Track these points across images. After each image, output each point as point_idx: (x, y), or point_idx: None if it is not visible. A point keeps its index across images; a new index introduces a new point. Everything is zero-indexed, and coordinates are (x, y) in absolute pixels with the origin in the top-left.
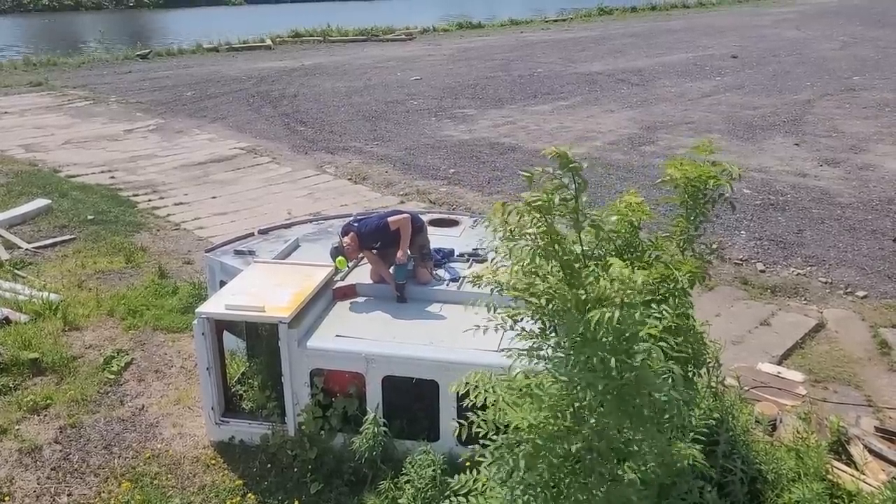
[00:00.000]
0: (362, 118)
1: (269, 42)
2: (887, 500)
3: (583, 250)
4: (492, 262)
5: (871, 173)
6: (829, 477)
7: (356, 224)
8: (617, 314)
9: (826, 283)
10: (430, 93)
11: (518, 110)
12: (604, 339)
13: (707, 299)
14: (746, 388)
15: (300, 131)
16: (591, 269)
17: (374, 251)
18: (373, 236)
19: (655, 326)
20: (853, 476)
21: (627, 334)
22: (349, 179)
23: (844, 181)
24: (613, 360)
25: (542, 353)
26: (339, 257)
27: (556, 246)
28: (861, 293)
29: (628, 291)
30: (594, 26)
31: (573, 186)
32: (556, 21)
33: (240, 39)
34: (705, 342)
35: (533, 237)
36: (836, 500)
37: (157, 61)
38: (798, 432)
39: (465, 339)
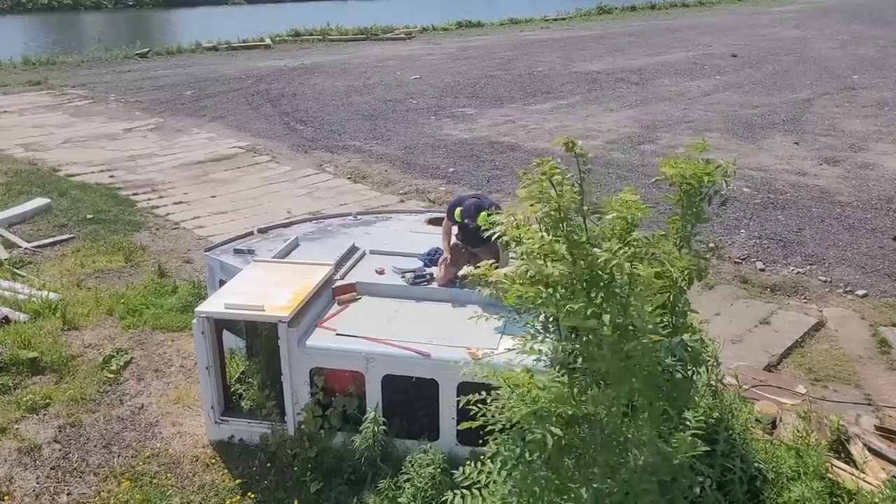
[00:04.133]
0: (362, 117)
1: (268, 41)
2: (887, 498)
3: (587, 233)
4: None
5: (870, 172)
6: (829, 476)
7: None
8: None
9: (826, 281)
10: (430, 92)
11: (517, 109)
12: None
13: (707, 298)
14: (746, 387)
15: (299, 130)
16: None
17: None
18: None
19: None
20: (853, 475)
21: (631, 307)
22: (349, 178)
23: (844, 180)
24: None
25: (543, 345)
26: (483, 212)
27: (564, 224)
28: (861, 292)
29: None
30: (593, 25)
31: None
32: (555, 20)
33: (239, 39)
34: (704, 341)
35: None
36: (835, 499)
37: (156, 60)
38: (798, 431)
39: (465, 338)
